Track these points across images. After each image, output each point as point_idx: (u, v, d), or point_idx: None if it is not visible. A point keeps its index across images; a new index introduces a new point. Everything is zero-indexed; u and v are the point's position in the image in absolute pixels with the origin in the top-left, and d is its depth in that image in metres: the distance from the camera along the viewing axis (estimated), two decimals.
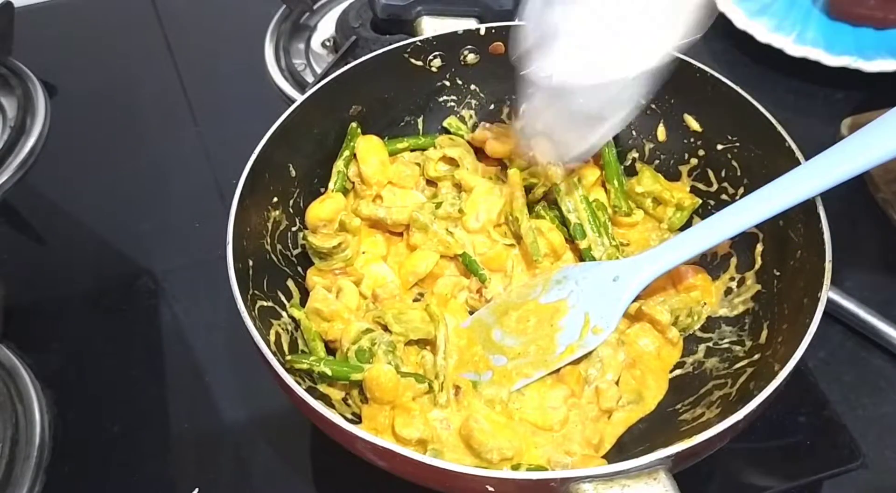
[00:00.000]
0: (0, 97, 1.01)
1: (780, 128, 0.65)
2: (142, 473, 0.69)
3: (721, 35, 1.05)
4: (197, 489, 0.66)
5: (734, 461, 0.67)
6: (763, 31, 1.00)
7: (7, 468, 0.66)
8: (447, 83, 0.80)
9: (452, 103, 0.82)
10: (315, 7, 1.11)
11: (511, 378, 0.65)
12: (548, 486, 0.48)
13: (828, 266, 0.58)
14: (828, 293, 0.57)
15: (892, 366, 0.74)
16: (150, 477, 0.69)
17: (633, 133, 0.79)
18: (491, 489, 0.48)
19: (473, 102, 0.82)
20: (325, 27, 1.09)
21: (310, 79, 1.00)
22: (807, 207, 0.61)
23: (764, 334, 0.64)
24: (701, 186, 0.75)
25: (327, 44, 1.06)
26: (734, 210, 0.63)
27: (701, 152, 0.75)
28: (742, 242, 0.70)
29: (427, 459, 0.49)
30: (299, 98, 0.71)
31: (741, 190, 0.71)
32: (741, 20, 1.02)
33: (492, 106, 0.82)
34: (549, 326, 0.68)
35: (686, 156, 0.76)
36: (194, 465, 0.69)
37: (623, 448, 0.63)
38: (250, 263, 0.63)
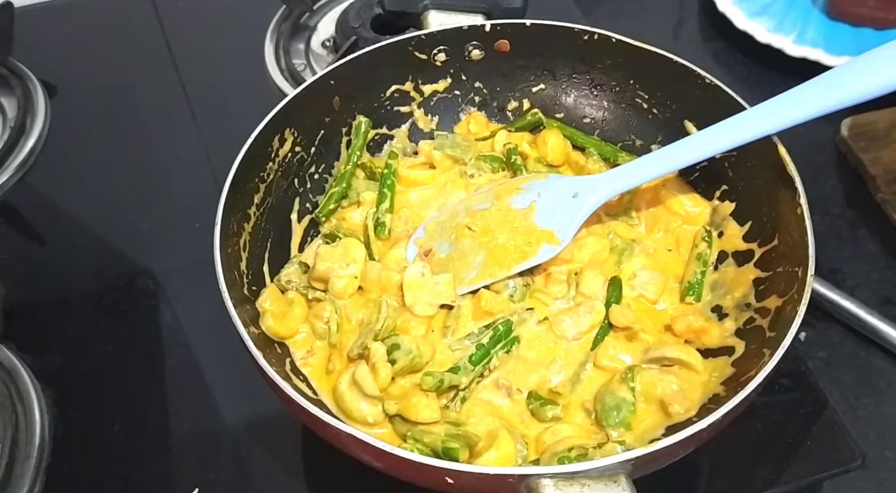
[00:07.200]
0: (0, 97, 1.01)
1: (775, 138, 0.65)
2: (142, 473, 0.69)
3: (721, 35, 1.05)
4: (197, 490, 0.66)
5: (734, 460, 0.67)
6: (763, 32, 1.01)
7: (7, 468, 0.66)
8: (450, 79, 0.80)
9: (458, 99, 0.82)
10: (315, 7, 1.11)
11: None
12: (505, 481, 0.48)
13: (809, 279, 0.57)
14: (806, 306, 0.56)
15: (892, 366, 0.74)
16: (150, 477, 0.69)
17: (632, 137, 0.78)
18: (450, 480, 0.48)
19: (477, 98, 0.82)
20: (325, 27, 1.09)
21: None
22: (799, 215, 0.61)
23: (745, 344, 0.63)
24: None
25: (327, 44, 1.06)
26: (692, 142, 0.65)
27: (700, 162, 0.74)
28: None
29: (389, 447, 0.49)
30: (291, 91, 0.71)
31: (735, 204, 0.71)
32: (741, 20, 1.02)
33: (495, 103, 0.82)
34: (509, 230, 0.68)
35: None
36: (194, 465, 0.69)
37: None
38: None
